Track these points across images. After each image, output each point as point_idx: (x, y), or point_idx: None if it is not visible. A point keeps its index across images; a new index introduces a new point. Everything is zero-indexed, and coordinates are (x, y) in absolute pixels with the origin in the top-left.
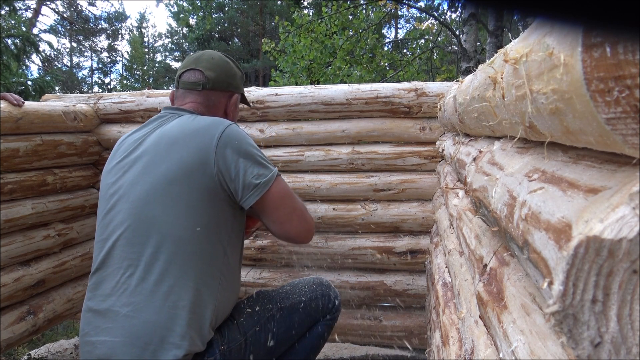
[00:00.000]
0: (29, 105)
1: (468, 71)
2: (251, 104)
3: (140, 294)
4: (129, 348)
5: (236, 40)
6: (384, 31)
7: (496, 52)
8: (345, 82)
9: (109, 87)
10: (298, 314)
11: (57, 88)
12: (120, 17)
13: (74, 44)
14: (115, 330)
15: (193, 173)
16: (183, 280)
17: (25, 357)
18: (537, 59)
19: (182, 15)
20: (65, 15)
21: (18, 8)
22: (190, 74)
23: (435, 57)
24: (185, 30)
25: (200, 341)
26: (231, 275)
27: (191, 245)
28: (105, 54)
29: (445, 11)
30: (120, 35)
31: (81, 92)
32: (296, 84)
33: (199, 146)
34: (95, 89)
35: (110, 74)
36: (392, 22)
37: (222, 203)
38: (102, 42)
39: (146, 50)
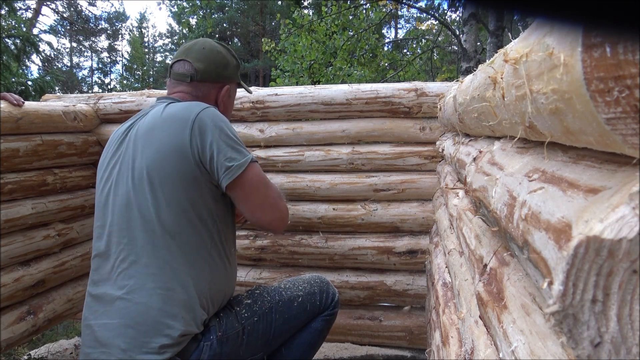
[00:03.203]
0: (29, 105)
1: (468, 71)
2: (250, 90)
3: (132, 277)
4: (125, 329)
5: (236, 40)
6: (384, 31)
7: (496, 52)
8: (345, 82)
9: (109, 87)
10: (296, 308)
11: (57, 88)
12: (120, 17)
13: (74, 44)
14: (112, 313)
15: (171, 158)
16: (171, 264)
17: (25, 357)
18: (537, 59)
19: (183, 19)
20: (65, 15)
21: (18, 8)
22: (180, 64)
23: (435, 57)
24: (185, 30)
25: (194, 322)
26: (223, 259)
27: (175, 230)
28: (105, 54)
29: (445, 11)
30: (120, 35)
31: (81, 92)
32: (297, 84)
33: (175, 131)
34: (95, 89)
35: (110, 74)
36: (392, 22)
37: (202, 187)
38: (102, 42)
39: (146, 50)
